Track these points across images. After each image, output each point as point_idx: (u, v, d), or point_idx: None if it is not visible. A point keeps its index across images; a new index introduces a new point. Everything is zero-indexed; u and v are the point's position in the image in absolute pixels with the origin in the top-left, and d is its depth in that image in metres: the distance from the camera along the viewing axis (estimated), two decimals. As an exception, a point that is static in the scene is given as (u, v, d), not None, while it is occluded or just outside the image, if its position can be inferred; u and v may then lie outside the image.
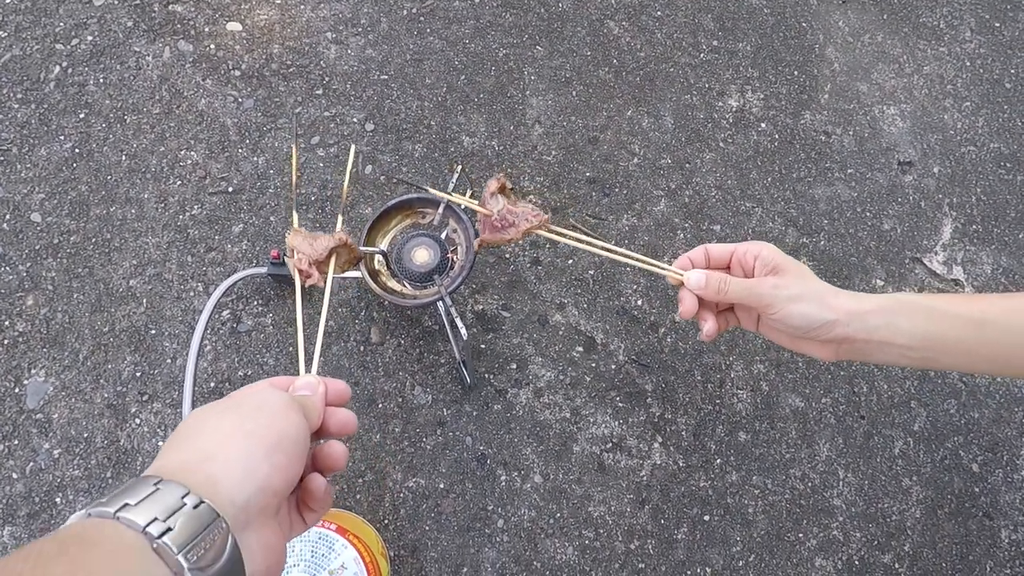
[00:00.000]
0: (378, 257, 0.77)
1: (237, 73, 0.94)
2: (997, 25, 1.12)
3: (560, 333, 0.86)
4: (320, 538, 0.64)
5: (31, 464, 0.76)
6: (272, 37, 0.97)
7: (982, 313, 0.49)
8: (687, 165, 0.96)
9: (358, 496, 0.77)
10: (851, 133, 1.01)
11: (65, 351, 0.80)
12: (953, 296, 0.63)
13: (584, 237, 0.59)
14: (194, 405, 0.73)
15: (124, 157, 0.89)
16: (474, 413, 0.81)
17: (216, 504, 0.29)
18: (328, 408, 0.41)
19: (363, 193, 0.90)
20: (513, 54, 1.00)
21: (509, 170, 0.93)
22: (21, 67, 0.91)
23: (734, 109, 1.00)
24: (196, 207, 0.87)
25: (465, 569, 0.76)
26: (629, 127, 0.98)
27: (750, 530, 0.80)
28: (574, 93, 0.99)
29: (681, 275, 0.55)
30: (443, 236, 0.76)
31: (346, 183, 0.62)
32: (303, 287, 0.55)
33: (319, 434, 0.41)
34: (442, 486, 0.78)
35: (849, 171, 0.99)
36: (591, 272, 0.89)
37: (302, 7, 0.99)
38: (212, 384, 0.80)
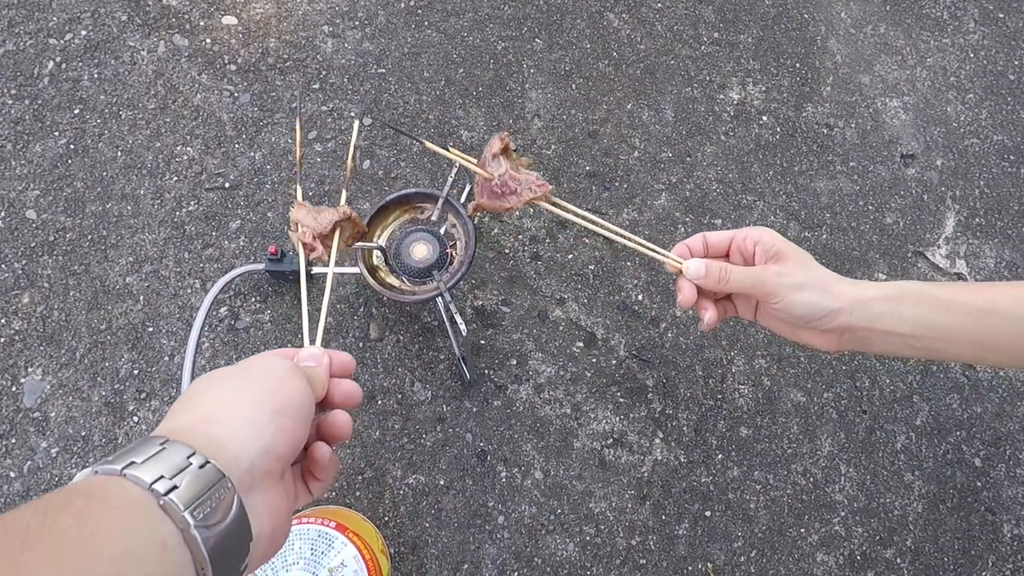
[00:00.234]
0: (376, 253, 0.77)
1: (233, 68, 0.93)
2: (1001, 16, 1.11)
3: (560, 328, 0.85)
4: (320, 536, 0.64)
5: (29, 463, 0.75)
6: (268, 31, 0.96)
7: (989, 302, 0.48)
8: (688, 158, 0.95)
9: (358, 493, 0.77)
10: (853, 126, 1.00)
11: (62, 349, 0.79)
12: (959, 285, 0.62)
13: (586, 214, 0.57)
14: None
15: (120, 153, 0.88)
16: (474, 409, 0.81)
17: (221, 465, 0.30)
18: (332, 379, 0.42)
19: (361, 188, 0.89)
20: (512, 47, 0.99)
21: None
22: (14, 62, 0.90)
23: (735, 102, 1.00)
24: (193, 203, 0.86)
25: (466, 566, 0.75)
26: (629, 120, 0.97)
27: (752, 525, 0.80)
28: (574, 86, 0.98)
29: (680, 263, 0.53)
30: (442, 231, 0.76)
31: (350, 156, 0.61)
32: (307, 260, 0.54)
33: (324, 405, 0.41)
34: (442, 483, 0.78)
35: (851, 164, 0.98)
36: (591, 267, 0.88)
37: (298, 0, 0.98)
38: (210, 381, 0.79)
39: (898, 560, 0.80)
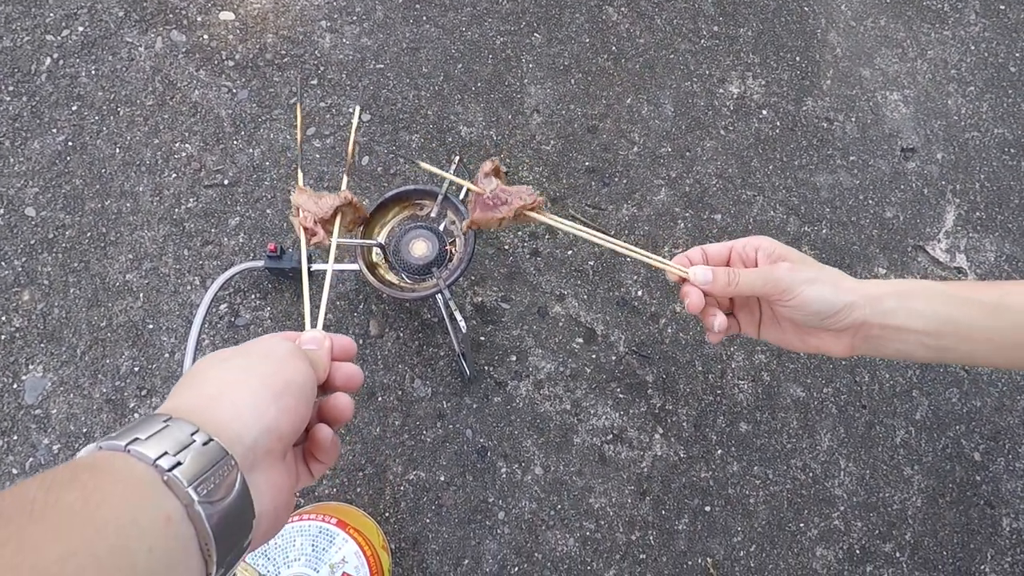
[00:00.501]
0: (376, 250, 0.77)
1: (231, 63, 0.93)
2: (1002, 8, 1.10)
3: (560, 324, 0.85)
4: (321, 532, 0.64)
5: (31, 459, 0.75)
6: (266, 26, 0.95)
7: (1001, 298, 0.47)
8: (687, 153, 0.95)
9: (359, 490, 0.77)
10: (853, 119, 1.00)
11: (63, 346, 0.79)
12: (969, 282, 0.61)
13: (581, 227, 0.57)
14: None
15: (118, 150, 0.88)
16: (474, 406, 0.81)
17: (224, 443, 0.30)
18: (334, 363, 0.42)
19: (360, 185, 0.89)
20: (511, 42, 0.98)
21: (508, 160, 0.92)
22: (11, 59, 0.90)
23: (735, 96, 0.99)
24: (192, 200, 0.86)
25: (466, 561, 0.76)
26: (629, 115, 0.96)
27: (751, 520, 0.80)
28: (573, 81, 0.97)
29: (685, 272, 0.52)
30: (441, 228, 0.76)
31: (351, 141, 0.60)
32: (308, 245, 0.54)
33: (325, 388, 0.41)
34: (443, 479, 0.78)
35: (851, 158, 0.97)
36: (591, 263, 0.88)
37: (296, -5, 0.98)
38: (211, 378, 0.79)
39: (897, 554, 0.80)
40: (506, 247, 0.88)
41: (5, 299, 0.80)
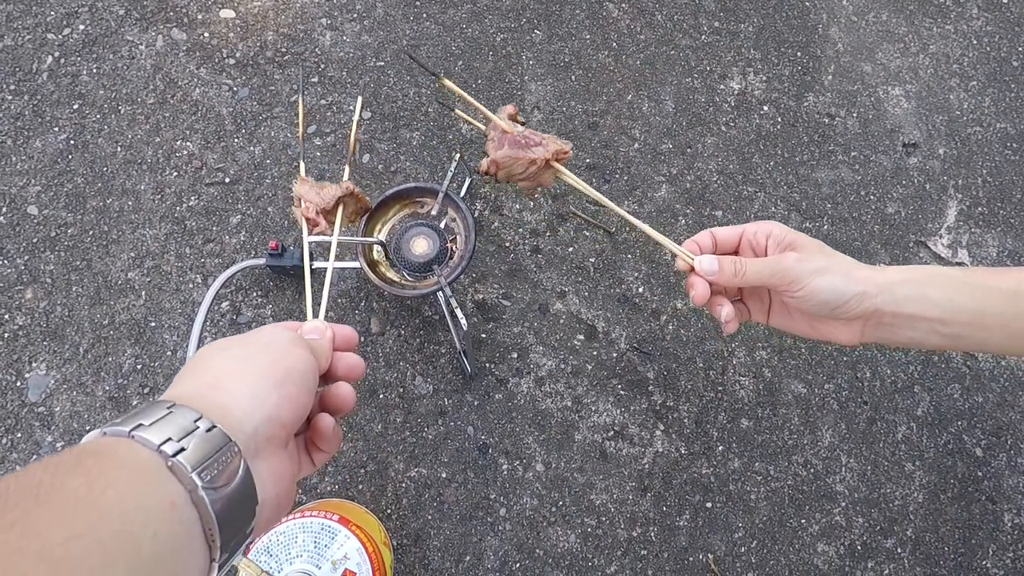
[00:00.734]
0: (377, 248, 0.77)
1: (231, 61, 0.93)
2: (1005, 2, 1.09)
3: (561, 322, 0.85)
4: (323, 529, 0.64)
5: (34, 457, 0.76)
6: (266, 24, 0.95)
7: (1019, 285, 0.46)
8: (688, 150, 0.95)
9: (360, 486, 0.77)
10: (855, 115, 0.99)
11: (65, 344, 0.80)
12: (984, 269, 0.59)
13: (600, 196, 0.54)
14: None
15: (119, 148, 0.88)
16: (475, 403, 0.81)
17: (226, 430, 0.30)
18: (336, 352, 0.42)
19: (361, 183, 0.89)
20: (511, 39, 0.98)
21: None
22: (13, 58, 0.90)
23: (736, 92, 0.99)
24: (193, 198, 0.86)
25: (468, 557, 0.76)
26: (629, 112, 0.96)
27: (752, 516, 0.80)
28: (573, 78, 0.97)
29: (691, 259, 0.50)
30: (442, 226, 0.76)
31: (353, 133, 0.60)
32: (310, 234, 0.54)
33: (327, 378, 0.42)
34: (444, 475, 0.78)
35: (853, 154, 0.97)
36: (592, 260, 0.88)
37: (296, -7, 0.98)
38: (213, 376, 0.80)
39: (899, 550, 0.80)
40: (507, 244, 0.88)
41: (8, 297, 0.81)
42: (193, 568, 0.28)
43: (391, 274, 0.76)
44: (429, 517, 0.77)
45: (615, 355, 0.84)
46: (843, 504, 0.81)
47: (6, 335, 0.79)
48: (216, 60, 0.93)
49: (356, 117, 0.64)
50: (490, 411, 0.81)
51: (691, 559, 0.78)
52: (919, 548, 0.80)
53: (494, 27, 0.99)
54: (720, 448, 0.82)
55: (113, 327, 0.81)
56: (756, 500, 0.81)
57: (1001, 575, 0.80)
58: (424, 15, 0.98)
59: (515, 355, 0.83)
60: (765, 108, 0.98)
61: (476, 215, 0.88)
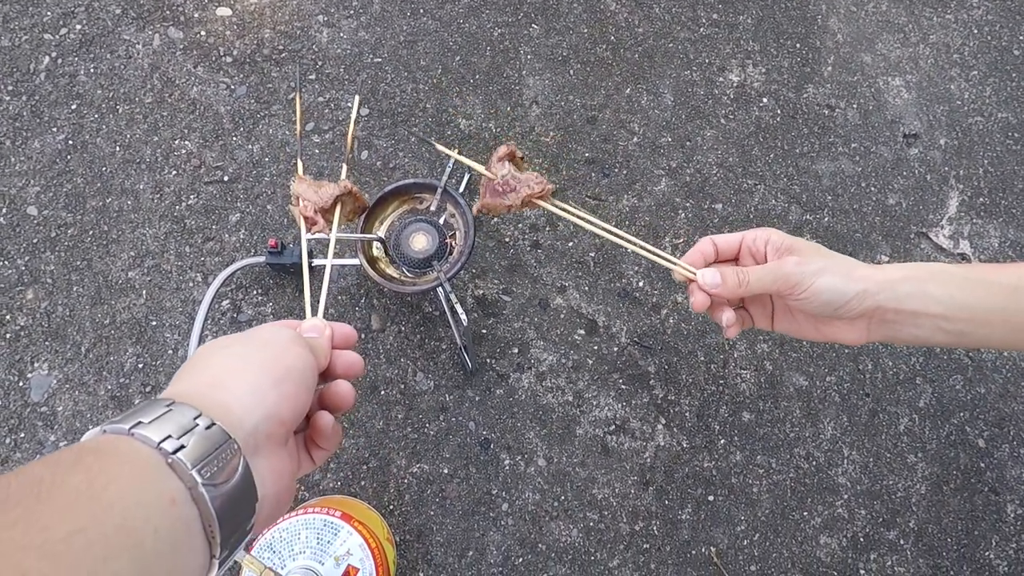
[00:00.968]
0: (376, 244, 0.77)
1: (229, 59, 0.93)
2: (1005, -9, 1.09)
3: (561, 316, 0.85)
4: (325, 525, 0.64)
5: (37, 457, 0.76)
6: (263, 21, 0.95)
7: (1020, 279, 0.46)
8: (688, 143, 0.95)
9: (363, 483, 0.78)
10: (855, 106, 0.99)
11: (67, 344, 0.80)
12: (985, 264, 0.59)
13: (589, 218, 0.56)
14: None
15: (118, 148, 0.88)
16: (476, 398, 0.81)
17: (226, 428, 0.30)
18: (335, 351, 0.42)
19: (360, 179, 0.89)
20: (508, 33, 0.98)
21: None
22: (10, 58, 0.90)
23: (735, 84, 0.99)
24: (192, 197, 0.86)
25: (471, 552, 0.76)
26: (628, 105, 0.96)
27: (755, 509, 0.80)
28: (571, 72, 0.97)
29: (693, 273, 0.51)
30: (441, 221, 0.76)
31: (351, 131, 0.60)
32: (309, 233, 0.54)
33: (327, 376, 0.42)
34: (446, 471, 0.78)
35: (853, 145, 0.97)
36: (592, 254, 0.88)
37: (293, -10, 0.98)
38: (214, 374, 0.80)
39: (901, 541, 0.80)
40: (507, 240, 0.88)
41: (9, 298, 0.81)
42: (193, 564, 0.28)
43: (391, 270, 0.76)
44: (431, 513, 0.77)
45: (616, 349, 0.84)
46: (845, 496, 0.81)
47: (8, 336, 0.80)
48: (213, 58, 0.93)
49: (354, 115, 0.64)
50: (491, 406, 0.81)
51: (693, 552, 0.78)
52: (922, 540, 0.80)
53: (491, 22, 0.98)
54: (722, 441, 0.82)
55: (114, 326, 0.81)
56: (758, 493, 0.81)
57: (1004, 566, 0.80)
58: (421, 10, 0.98)
59: (516, 350, 0.83)
60: (764, 100, 0.98)
61: (477, 218, 0.88)
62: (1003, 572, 0.80)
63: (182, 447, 0.28)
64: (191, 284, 0.83)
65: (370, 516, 0.71)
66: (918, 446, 0.84)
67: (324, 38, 0.95)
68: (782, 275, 0.48)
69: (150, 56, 0.92)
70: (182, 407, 0.30)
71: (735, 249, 0.53)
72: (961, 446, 0.84)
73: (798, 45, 1.02)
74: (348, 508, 0.68)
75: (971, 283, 0.47)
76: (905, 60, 1.02)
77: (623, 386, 0.83)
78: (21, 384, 0.78)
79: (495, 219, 0.88)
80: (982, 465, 0.84)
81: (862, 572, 0.79)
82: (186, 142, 0.89)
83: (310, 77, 0.93)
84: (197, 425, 0.29)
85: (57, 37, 0.92)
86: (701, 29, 1.01)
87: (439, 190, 0.75)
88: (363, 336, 0.83)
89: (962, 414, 0.86)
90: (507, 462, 0.79)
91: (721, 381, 0.84)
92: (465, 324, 0.72)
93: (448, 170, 0.77)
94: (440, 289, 0.73)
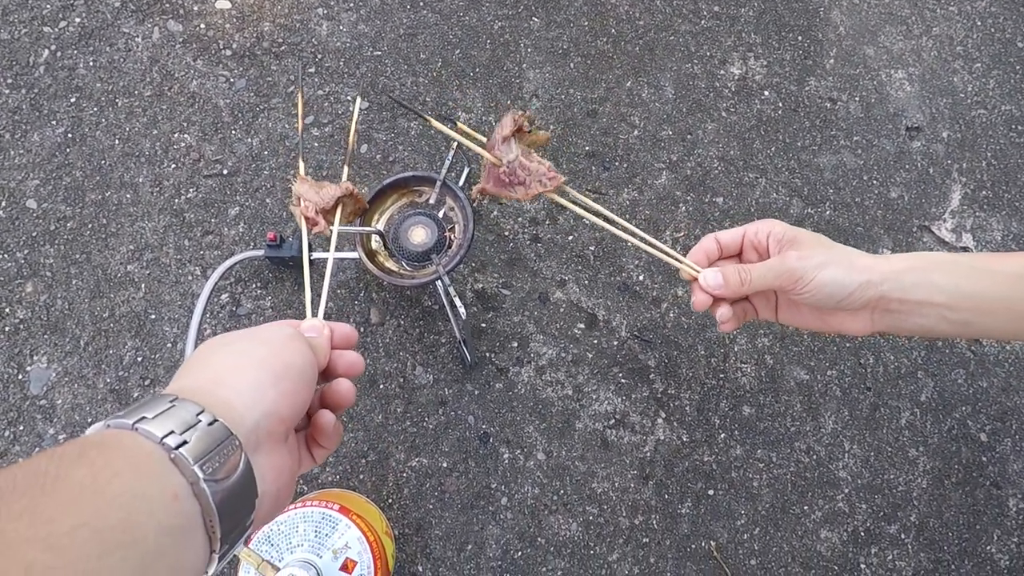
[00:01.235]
0: (375, 238, 0.76)
1: (228, 53, 0.93)
2: (1010, -17, 1.08)
3: (561, 310, 0.85)
4: (324, 518, 0.64)
5: (37, 450, 0.76)
6: (262, 14, 0.95)
7: (1023, 267, 0.46)
8: (689, 136, 0.94)
9: (361, 476, 0.78)
10: (857, 99, 0.98)
11: (66, 337, 0.80)
12: (989, 254, 0.59)
13: (602, 210, 0.54)
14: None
15: (117, 141, 0.88)
16: (476, 392, 0.81)
17: (228, 424, 0.30)
18: (336, 351, 0.43)
19: (359, 173, 0.89)
20: (509, 26, 0.98)
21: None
22: (9, 51, 0.90)
23: (736, 77, 0.98)
24: (191, 190, 0.86)
25: (470, 546, 0.76)
26: (629, 99, 0.95)
27: (755, 503, 0.80)
28: (572, 65, 0.96)
29: (697, 272, 0.51)
30: (440, 215, 0.75)
31: (352, 132, 0.60)
32: (309, 234, 0.54)
33: (327, 376, 0.42)
34: (445, 465, 0.78)
35: (855, 138, 0.96)
36: (592, 248, 0.88)
37: (292, -18, 0.97)
38: (213, 368, 0.80)
39: (902, 536, 0.80)
40: (506, 233, 0.88)
41: (9, 291, 0.81)
42: (194, 558, 0.28)
43: (390, 264, 0.76)
44: (431, 506, 0.77)
45: (616, 343, 0.84)
46: (846, 490, 0.81)
47: (7, 329, 0.80)
48: (213, 51, 0.92)
49: (355, 117, 0.63)
50: (491, 400, 0.81)
51: (693, 546, 0.78)
52: (923, 534, 0.80)
53: (492, 14, 0.98)
54: (722, 435, 0.82)
55: (113, 320, 0.81)
56: (758, 487, 0.80)
57: (1005, 560, 0.80)
58: (421, 3, 0.98)
59: (515, 344, 0.83)
60: (766, 93, 0.97)
61: (476, 204, 0.87)
62: (1004, 566, 0.80)
63: (185, 443, 0.28)
64: (190, 277, 0.83)
65: (368, 509, 0.71)
66: (919, 440, 0.84)
67: (324, 31, 0.95)
68: (784, 271, 0.48)
69: (149, 49, 0.92)
70: (185, 403, 0.30)
71: (738, 244, 0.53)
72: (963, 440, 0.84)
73: (800, 37, 1.01)
74: (346, 501, 0.67)
75: (976, 272, 0.47)
76: (908, 52, 1.02)
77: (623, 380, 0.83)
78: (20, 377, 0.78)
79: (494, 212, 0.88)
80: (984, 459, 0.83)
81: (863, 566, 0.78)
82: (185, 135, 0.88)
83: (310, 70, 0.93)
84: (199, 421, 0.29)
85: (56, 30, 0.92)
86: (702, 21, 1.01)
87: (438, 183, 0.75)
88: (362, 330, 0.82)
89: (964, 408, 0.85)
90: (506, 456, 0.79)
91: (721, 375, 0.84)
92: (464, 318, 0.72)
93: (447, 163, 0.77)
94: (439, 282, 0.73)
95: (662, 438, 0.81)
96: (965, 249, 0.92)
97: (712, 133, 0.95)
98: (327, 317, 0.82)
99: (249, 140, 0.89)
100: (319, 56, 0.93)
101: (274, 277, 0.83)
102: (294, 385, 0.35)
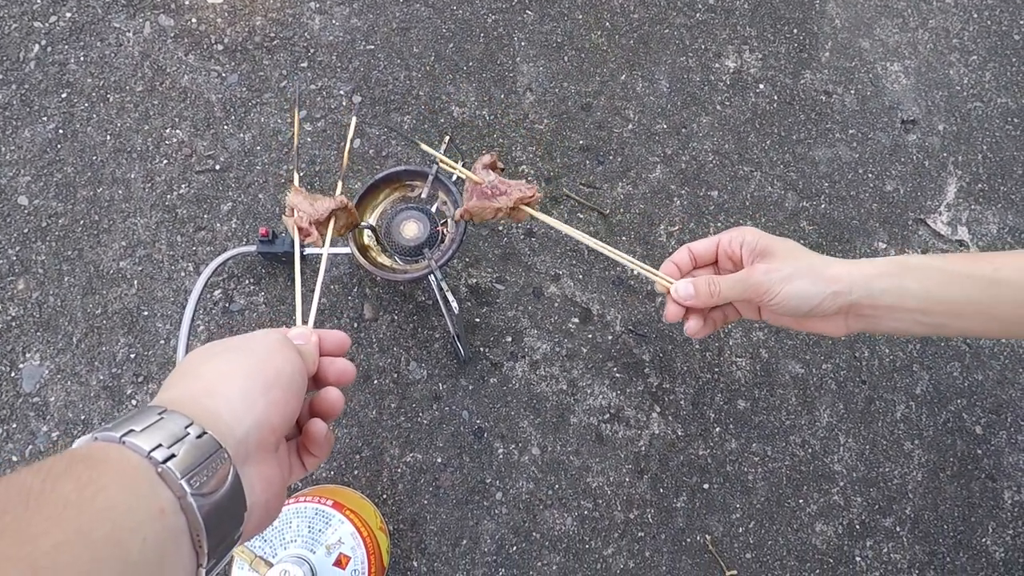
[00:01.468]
0: (368, 232, 0.76)
1: (220, 47, 0.92)
2: (1006, -26, 1.07)
3: (556, 305, 0.85)
4: (317, 514, 0.64)
5: (30, 447, 0.76)
6: (254, 8, 0.94)
7: (995, 272, 0.47)
8: (683, 130, 0.94)
9: (356, 472, 0.77)
10: (852, 92, 0.98)
11: (59, 334, 0.80)
12: (962, 256, 0.60)
13: (573, 231, 0.58)
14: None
15: (109, 137, 0.87)
16: (470, 387, 0.81)
17: (217, 436, 0.30)
18: (327, 358, 0.42)
19: (352, 167, 0.88)
20: (502, 20, 0.97)
21: (501, 142, 0.91)
22: (0, 47, 0.89)
23: (731, 70, 0.98)
24: (184, 186, 0.86)
25: (464, 541, 0.76)
26: (623, 92, 0.95)
27: (750, 497, 0.80)
28: (566, 58, 0.96)
29: (668, 284, 0.53)
30: (433, 209, 0.75)
31: (347, 150, 0.61)
32: (301, 245, 0.55)
33: (318, 383, 0.42)
34: (440, 460, 0.78)
35: (850, 131, 0.96)
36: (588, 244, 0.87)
37: (284, -24, 0.97)
38: (206, 364, 0.79)
39: (897, 528, 0.80)
40: (500, 228, 0.87)
41: (0, 288, 0.81)
42: (180, 573, 0.28)
43: (382, 259, 0.75)
44: (425, 502, 0.77)
45: (610, 338, 0.84)
46: (841, 484, 0.81)
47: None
48: (204, 46, 0.92)
49: (350, 135, 0.63)
50: (485, 395, 0.81)
51: (688, 540, 0.78)
52: (918, 526, 0.80)
53: (485, 8, 0.97)
54: (717, 429, 0.82)
55: (106, 316, 0.80)
56: (754, 481, 0.80)
57: (1000, 552, 0.80)
58: (414, -3, 0.97)
59: (509, 339, 0.83)
60: (761, 86, 0.97)
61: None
62: (1000, 558, 0.80)
63: (172, 456, 0.28)
64: (183, 274, 0.82)
65: (362, 505, 0.71)
66: (915, 433, 0.83)
67: (316, 25, 0.94)
68: (751, 285, 0.50)
69: (141, 44, 0.91)
70: (173, 415, 0.30)
71: (713, 253, 0.54)
72: (958, 433, 0.84)
73: (795, 30, 1.01)
74: (340, 497, 0.67)
75: (948, 276, 0.47)
76: (904, 45, 1.01)
77: (617, 374, 0.83)
78: (13, 374, 0.78)
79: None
80: (979, 452, 0.83)
81: (858, 559, 0.78)
82: (177, 131, 0.88)
83: (302, 65, 0.92)
84: (188, 434, 0.29)
85: (47, 25, 0.91)
86: (697, 15, 1.00)
87: (430, 177, 0.75)
88: (356, 325, 0.82)
89: (959, 401, 0.85)
90: (501, 451, 0.79)
91: (716, 369, 0.84)
92: (457, 312, 0.71)
93: (440, 155, 0.76)
94: (432, 277, 0.73)
95: (657, 432, 0.81)
96: (960, 242, 0.92)
97: (707, 126, 0.94)
98: (321, 314, 0.82)
99: (241, 135, 0.88)
100: (311, 51, 0.93)
101: (267, 273, 0.83)
102: (284, 394, 0.35)
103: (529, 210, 0.60)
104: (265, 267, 0.83)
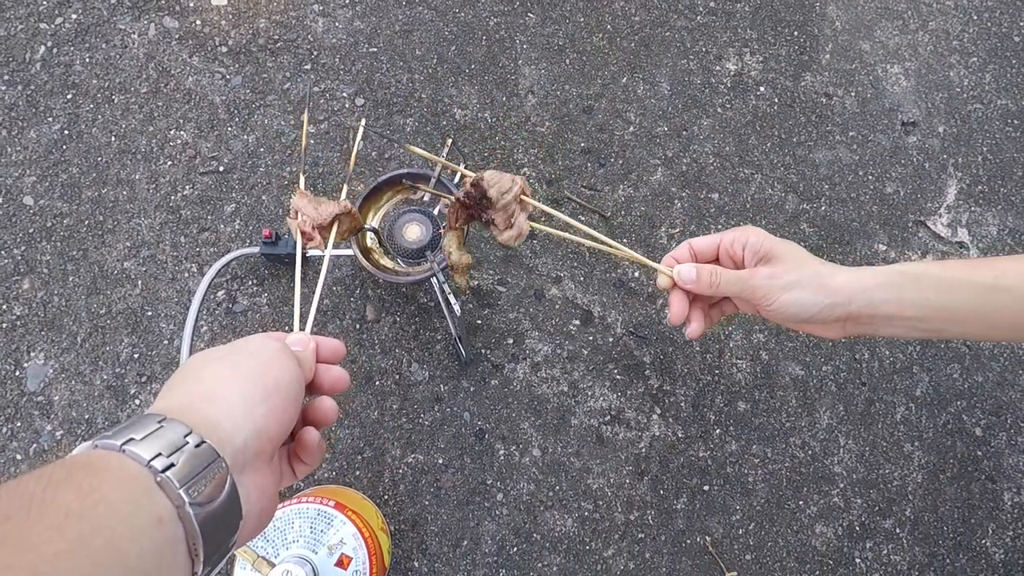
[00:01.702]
0: (371, 235, 0.76)
1: (224, 49, 0.93)
2: (1007, -23, 1.08)
3: (557, 307, 0.85)
4: (319, 514, 0.64)
5: (34, 446, 0.76)
6: (258, 11, 0.95)
7: (996, 279, 0.47)
8: (684, 132, 0.94)
9: (357, 472, 0.78)
10: (853, 94, 0.98)
11: (63, 334, 0.80)
12: (962, 262, 0.60)
13: (572, 221, 0.58)
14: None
15: (114, 138, 0.88)
16: (471, 388, 0.81)
17: (215, 444, 0.30)
18: (322, 365, 0.42)
19: (355, 169, 0.89)
20: (504, 22, 0.97)
21: (503, 144, 0.91)
22: (6, 48, 0.90)
23: (732, 73, 0.98)
24: (188, 187, 0.86)
25: (465, 542, 0.76)
26: (624, 95, 0.95)
27: (750, 499, 0.80)
28: (567, 61, 0.96)
29: (670, 272, 0.53)
30: (435, 211, 0.75)
31: (353, 154, 0.61)
32: (304, 249, 0.55)
33: (312, 390, 0.42)
34: (441, 461, 0.79)
35: (851, 133, 0.96)
36: (587, 244, 0.88)
37: (288, -21, 0.97)
38: (209, 364, 0.80)
39: (897, 530, 0.80)
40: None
41: (5, 288, 0.81)
42: None
43: (385, 261, 0.76)
44: (426, 503, 0.77)
45: (611, 340, 0.84)
46: (841, 485, 0.81)
47: (4, 325, 0.80)
48: (209, 48, 0.93)
49: (356, 144, 0.64)
50: (486, 397, 0.81)
51: (689, 542, 0.78)
52: (918, 528, 0.80)
53: (487, 11, 0.98)
54: (717, 431, 0.82)
55: (110, 316, 0.81)
56: (754, 483, 0.81)
57: (1000, 554, 0.80)
58: (416, 0, 0.97)
59: (511, 341, 0.83)
60: (762, 89, 0.97)
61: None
62: (999, 560, 0.80)
63: (172, 465, 0.28)
64: (186, 274, 0.83)
65: (364, 505, 0.71)
66: (915, 435, 0.84)
67: (319, 28, 0.95)
68: (750, 287, 0.49)
69: (145, 46, 0.92)
70: (173, 424, 0.30)
71: (713, 251, 0.54)
72: (958, 435, 0.84)
73: (796, 33, 1.01)
74: (342, 497, 0.68)
75: (947, 284, 0.48)
76: (904, 47, 1.02)
77: (618, 376, 0.83)
78: (17, 374, 0.79)
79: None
80: (979, 453, 0.84)
81: (858, 560, 0.79)
82: (181, 132, 0.89)
83: (305, 67, 0.93)
84: (187, 443, 0.29)
85: (53, 26, 0.92)
86: (698, 17, 1.00)
87: (432, 180, 0.75)
88: (358, 327, 0.83)
89: (959, 403, 0.85)
90: (502, 452, 0.79)
91: (717, 371, 0.84)
92: (458, 314, 0.72)
93: (442, 160, 0.76)
94: (434, 279, 0.73)
95: (657, 434, 0.81)
96: (960, 244, 0.92)
97: (708, 129, 0.95)
98: (324, 315, 0.83)
99: (245, 137, 0.89)
100: (315, 53, 0.93)
101: (270, 274, 0.83)
102: (283, 402, 0.35)
103: (531, 223, 0.60)
104: (268, 268, 0.84)
